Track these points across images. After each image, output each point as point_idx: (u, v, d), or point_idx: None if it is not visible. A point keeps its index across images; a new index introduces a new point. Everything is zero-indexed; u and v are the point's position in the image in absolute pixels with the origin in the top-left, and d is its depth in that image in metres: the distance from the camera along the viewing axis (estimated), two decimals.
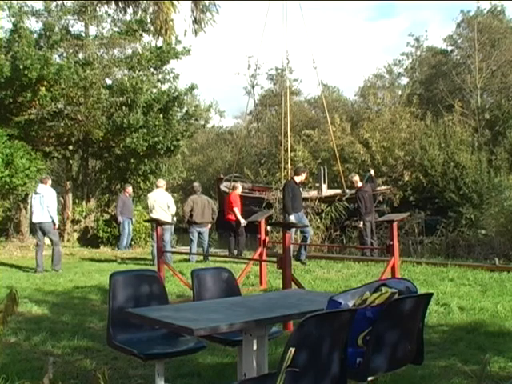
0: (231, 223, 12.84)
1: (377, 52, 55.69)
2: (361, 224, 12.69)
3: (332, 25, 59.17)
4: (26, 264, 11.37)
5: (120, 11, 15.18)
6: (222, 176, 19.42)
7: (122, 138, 16.37)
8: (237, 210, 12.58)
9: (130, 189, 15.75)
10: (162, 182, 12.13)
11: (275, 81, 34.52)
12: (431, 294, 3.28)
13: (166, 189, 12.65)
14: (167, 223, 11.06)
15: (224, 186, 17.38)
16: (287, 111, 17.70)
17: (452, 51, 29.97)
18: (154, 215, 11.11)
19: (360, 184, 12.91)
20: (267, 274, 8.72)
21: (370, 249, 12.01)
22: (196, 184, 12.86)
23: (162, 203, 11.47)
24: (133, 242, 15.61)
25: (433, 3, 46.27)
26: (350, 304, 2.92)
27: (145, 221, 14.47)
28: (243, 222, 12.38)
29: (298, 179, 11.07)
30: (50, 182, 10.89)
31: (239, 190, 13.23)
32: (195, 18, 7.57)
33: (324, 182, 17.16)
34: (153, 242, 11.61)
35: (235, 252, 12.61)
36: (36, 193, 10.64)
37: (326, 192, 17.26)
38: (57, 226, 10.84)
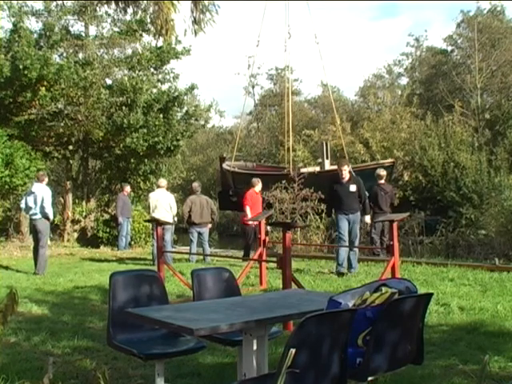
0: (243, 225, 12.15)
1: (379, 52, 55.74)
2: (367, 219, 11.59)
3: (333, 24, 59.17)
4: (25, 264, 11.37)
5: (120, 11, 15.22)
6: (224, 155, 19.10)
7: (122, 138, 16.37)
8: (248, 210, 11.65)
9: (128, 188, 15.76)
10: (163, 182, 12.09)
11: (275, 81, 34.54)
12: (431, 294, 3.28)
13: (166, 189, 12.63)
14: (167, 223, 11.07)
15: (226, 165, 17.05)
16: (289, 108, 17.44)
17: (452, 51, 29.97)
18: (156, 215, 11.09)
19: (383, 181, 12.06)
20: (267, 274, 8.72)
21: (374, 248, 11.77)
22: (195, 184, 12.76)
23: (164, 203, 11.45)
24: (133, 242, 15.62)
25: (435, 3, 46.27)
26: (350, 304, 2.92)
27: (145, 221, 14.49)
28: (251, 221, 11.59)
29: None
30: (46, 179, 10.65)
31: (258, 188, 12.12)
32: (195, 18, 7.57)
33: (327, 158, 16.27)
34: (153, 242, 11.60)
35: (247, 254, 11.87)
36: (31, 191, 10.44)
37: (329, 168, 16.12)
38: (51, 219, 10.55)
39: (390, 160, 16.73)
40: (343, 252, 9.35)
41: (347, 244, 9.38)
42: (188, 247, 12.73)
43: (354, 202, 9.45)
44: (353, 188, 9.44)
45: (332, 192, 9.68)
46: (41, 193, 10.19)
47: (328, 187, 9.89)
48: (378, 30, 59.03)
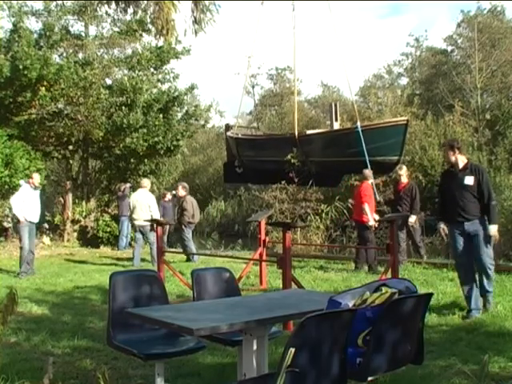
0: (359, 224, 10.33)
1: (381, 52, 55.63)
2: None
3: (333, 24, 58.99)
4: None
5: (120, 11, 15.20)
6: (230, 124, 18.52)
7: (122, 138, 16.37)
8: (367, 208, 9.93)
9: (127, 186, 15.71)
10: (145, 183, 11.99)
11: (275, 81, 34.56)
12: (431, 294, 3.28)
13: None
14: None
15: (231, 133, 16.50)
16: (295, 99, 17.05)
17: (452, 51, 29.99)
18: (135, 216, 11.13)
19: (406, 180, 10.70)
20: (267, 274, 8.72)
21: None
22: (186, 184, 12.69)
23: (143, 204, 11.39)
24: (133, 242, 15.59)
25: (440, 3, 46.28)
26: (350, 304, 2.92)
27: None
28: (371, 222, 9.95)
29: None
30: (32, 180, 10.14)
31: (371, 180, 10.52)
32: (195, 18, 7.58)
33: (336, 120, 14.76)
34: (135, 245, 11.58)
35: (366, 267, 9.98)
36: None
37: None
38: (22, 221, 9.95)
39: (403, 118, 15.13)
40: (473, 290, 6.22)
41: (468, 274, 6.29)
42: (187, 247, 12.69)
43: (468, 202, 6.18)
44: (469, 181, 6.17)
45: (440, 187, 6.72)
46: (16, 193, 9.99)
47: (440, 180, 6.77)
48: (380, 30, 58.94)
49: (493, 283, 6.39)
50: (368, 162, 12.26)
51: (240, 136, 16.06)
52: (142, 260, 12.40)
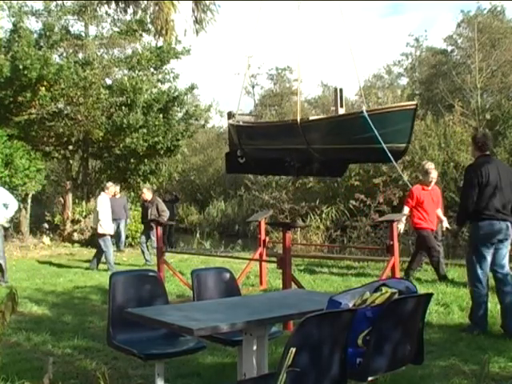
0: (418, 231, 8.90)
1: (383, 51, 55.55)
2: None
3: (334, 24, 58.97)
4: (26, 264, 11.37)
5: (120, 11, 15.19)
6: (233, 112, 18.05)
7: (122, 138, 16.38)
8: (405, 210, 8.94)
9: (117, 188, 15.15)
10: (108, 187, 11.62)
11: (275, 81, 34.58)
12: (431, 294, 3.28)
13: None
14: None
15: (232, 121, 16.09)
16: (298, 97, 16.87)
17: (452, 51, 30.01)
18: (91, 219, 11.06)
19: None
20: (267, 274, 8.72)
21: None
22: (149, 185, 12.55)
23: (96, 208, 11.11)
24: (133, 243, 15.61)
25: (439, 3, 46.19)
26: (350, 304, 2.92)
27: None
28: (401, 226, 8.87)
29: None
30: None
31: (432, 177, 8.99)
32: (196, 18, 7.59)
33: (341, 106, 14.32)
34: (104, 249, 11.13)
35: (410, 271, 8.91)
36: None
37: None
38: None
39: (412, 102, 14.54)
40: (482, 306, 5.56)
41: (485, 289, 5.58)
42: (186, 247, 12.70)
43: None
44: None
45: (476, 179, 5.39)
46: None
47: (470, 174, 5.54)
48: (380, 30, 58.83)
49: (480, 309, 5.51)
50: (377, 149, 11.75)
51: (241, 124, 15.84)
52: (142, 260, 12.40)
